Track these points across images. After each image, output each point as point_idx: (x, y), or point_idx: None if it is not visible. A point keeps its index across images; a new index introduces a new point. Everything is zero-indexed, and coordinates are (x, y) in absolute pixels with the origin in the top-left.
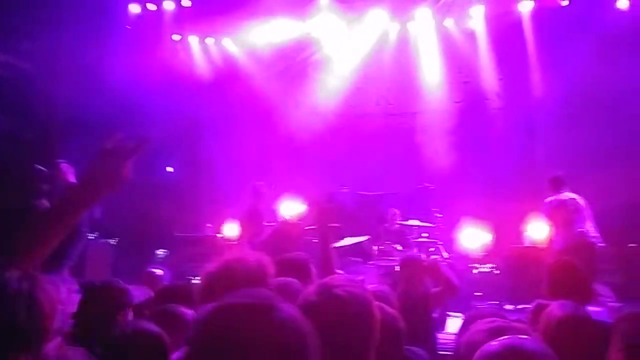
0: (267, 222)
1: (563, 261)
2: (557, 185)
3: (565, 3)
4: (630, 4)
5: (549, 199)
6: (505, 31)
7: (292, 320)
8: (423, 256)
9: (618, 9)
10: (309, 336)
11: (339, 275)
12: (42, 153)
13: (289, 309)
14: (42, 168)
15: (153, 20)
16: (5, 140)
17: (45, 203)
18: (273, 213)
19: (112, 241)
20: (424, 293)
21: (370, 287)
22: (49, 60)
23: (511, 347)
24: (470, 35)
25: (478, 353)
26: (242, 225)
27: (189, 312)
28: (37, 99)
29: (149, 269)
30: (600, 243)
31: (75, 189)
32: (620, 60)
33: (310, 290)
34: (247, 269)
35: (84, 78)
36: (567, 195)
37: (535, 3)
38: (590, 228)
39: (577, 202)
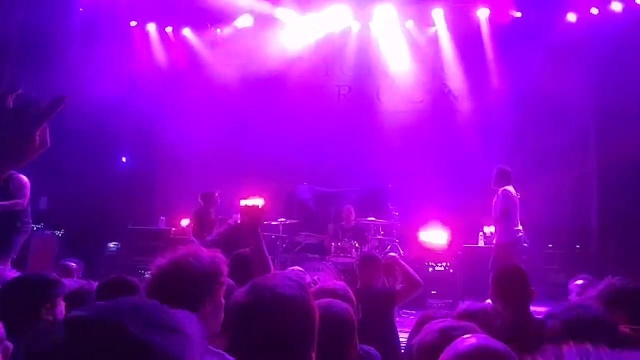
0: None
1: (508, 268)
2: (507, 178)
3: (518, 15)
4: (578, 17)
5: (507, 188)
6: (465, 35)
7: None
8: (381, 253)
9: (568, 21)
10: None
11: (275, 274)
12: None
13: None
14: None
15: (109, 5)
16: None
17: None
18: (222, 218)
19: (57, 233)
20: (385, 290)
21: (327, 284)
22: None
23: (479, 346)
24: (432, 37)
25: (446, 353)
26: (193, 225)
27: None
28: None
29: (62, 262)
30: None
31: None
32: (568, 68)
33: (241, 290)
34: (200, 265)
35: (32, 61)
36: (513, 189)
37: (490, 11)
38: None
39: (518, 199)
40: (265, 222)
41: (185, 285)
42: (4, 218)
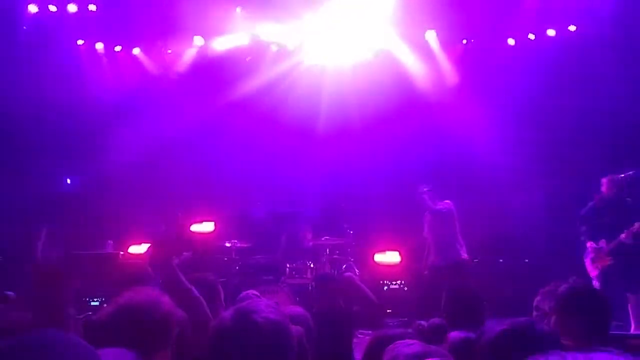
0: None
1: (460, 290)
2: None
3: (512, 42)
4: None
5: (447, 202)
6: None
7: None
8: (337, 273)
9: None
10: None
11: (257, 300)
12: None
13: None
14: None
15: (53, 23)
16: None
17: None
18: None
19: None
20: (342, 312)
21: (285, 309)
22: None
23: None
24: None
25: None
26: (155, 249)
27: None
28: None
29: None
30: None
31: None
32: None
33: (226, 315)
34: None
35: None
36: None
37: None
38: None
39: None
40: (218, 245)
41: (143, 335)
42: None
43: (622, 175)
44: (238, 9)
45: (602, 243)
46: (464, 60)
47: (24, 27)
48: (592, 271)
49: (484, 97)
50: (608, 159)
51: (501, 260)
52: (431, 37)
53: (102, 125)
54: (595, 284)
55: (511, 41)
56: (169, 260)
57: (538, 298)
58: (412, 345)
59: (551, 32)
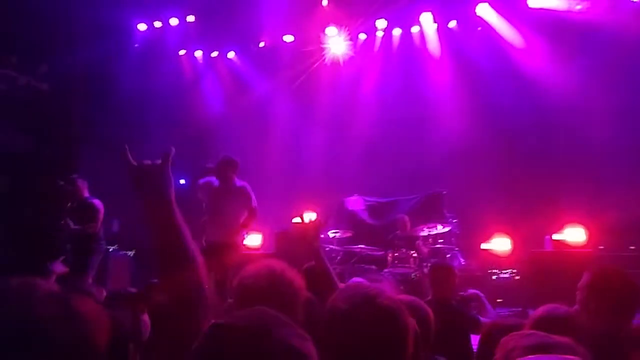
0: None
1: (607, 270)
2: None
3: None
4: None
5: None
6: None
7: (287, 347)
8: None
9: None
10: None
11: (375, 286)
12: (60, 169)
13: (288, 334)
14: (63, 184)
15: (160, 37)
16: (28, 158)
17: (72, 226)
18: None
19: (129, 253)
20: (458, 300)
21: (400, 297)
22: (64, 80)
23: None
24: (476, 37)
25: None
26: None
27: None
28: (54, 118)
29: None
30: None
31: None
32: None
33: (339, 297)
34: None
35: (98, 96)
36: None
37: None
38: None
39: None
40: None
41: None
42: (80, 241)
43: None
44: (325, 1)
45: None
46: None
47: (136, 45)
48: None
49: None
50: None
51: (632, 248)
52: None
53: (208, 127)
54: None
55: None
56: (316, 246)
57: None
58: (531, 336)
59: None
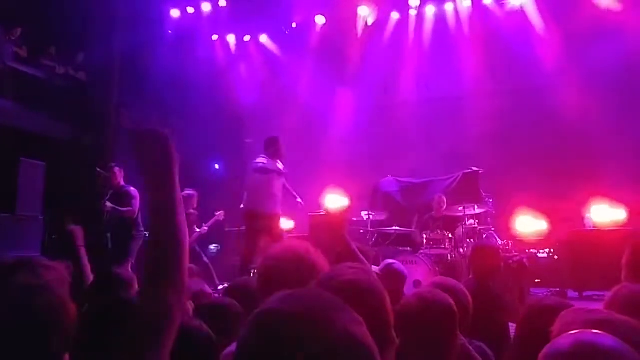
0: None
1: None
2: None
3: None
4: None
5: None
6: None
7: (347, 337)
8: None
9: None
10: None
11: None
12: (97, 157)
13: (346, 322)
14: (102, 171)
15: (193, 23)
16: (66, 146)
17: (108, 205)
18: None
19: None
20: (501, 285)
21: (437, 279)
22: (100, 69)
23: (584, 344)
24: (512, 15)
25: (545, 352)
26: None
27: None
28: (91, 106)
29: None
30: None
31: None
32: None
33: (410, 297)
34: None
35: (133, 84)
36: None
37: None
38: None
39: None
40: (354, 219)
41: None
42: (120, 227)
43: None
44: None
45: None
46: None
47: (169, 32)
48: None
49: None
50: None
51: None
52: None
53: (243, 111)
54: None
55: None
56: (343, 232)
57: None
58: (593, 312)
59: None
